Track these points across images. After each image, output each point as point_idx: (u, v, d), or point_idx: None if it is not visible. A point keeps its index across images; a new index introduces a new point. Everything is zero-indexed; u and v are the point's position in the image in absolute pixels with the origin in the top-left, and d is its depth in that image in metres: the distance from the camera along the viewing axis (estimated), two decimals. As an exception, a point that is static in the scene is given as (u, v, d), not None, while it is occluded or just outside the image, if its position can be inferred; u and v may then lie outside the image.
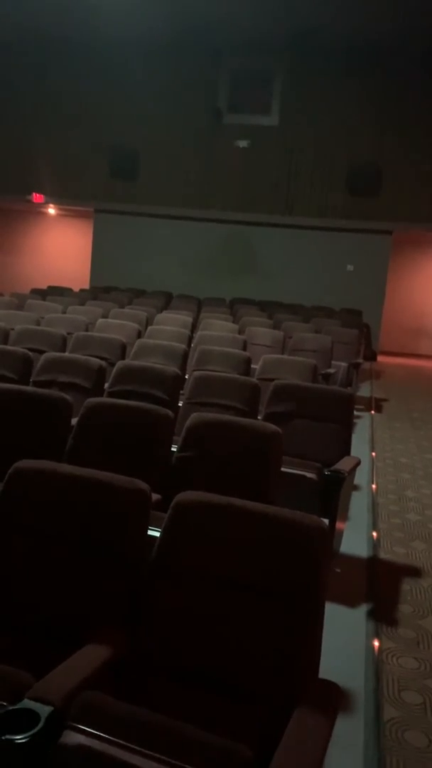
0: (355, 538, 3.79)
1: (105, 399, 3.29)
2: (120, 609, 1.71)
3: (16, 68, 12.61)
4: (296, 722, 1.38)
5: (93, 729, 1.30)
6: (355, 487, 4.56)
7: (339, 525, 3.42)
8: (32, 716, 1.28)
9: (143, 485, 1.80)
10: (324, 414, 3.70)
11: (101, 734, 1.29)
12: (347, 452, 3.61)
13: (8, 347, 4.35)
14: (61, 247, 15.06)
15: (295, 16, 9.91)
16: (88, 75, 12.44)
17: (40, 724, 1.26)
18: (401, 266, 13.07)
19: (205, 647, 1.62)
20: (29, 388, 3.20)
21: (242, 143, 11.91)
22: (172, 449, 2.93)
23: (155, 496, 2.60)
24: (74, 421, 2.99)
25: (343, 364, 7.01)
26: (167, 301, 10.26)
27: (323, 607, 1.62)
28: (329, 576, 2.06)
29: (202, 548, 1.67)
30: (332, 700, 1.47)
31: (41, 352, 4.52)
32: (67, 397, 3.01)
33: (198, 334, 6.22)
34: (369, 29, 10.18)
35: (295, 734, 1.35)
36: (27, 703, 1.32)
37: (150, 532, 1.84)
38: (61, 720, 1.31)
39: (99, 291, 10.96)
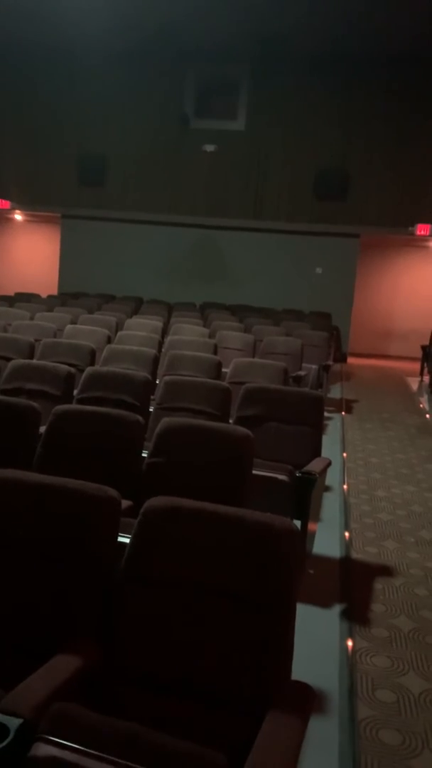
0: (327, 539, 3.82)
1: (73, 406, 3.26)
2: (91, 618, 1.69)
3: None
4: (269, 725, 1.38)
5: (65, 740, 1.28)
6: (327, 488, 4.59)
7: (311, 526, 3.44)
8: (2, 729, 1.26)
9: (113, 492, 1.79)
10: (295, 416, 3.72)
11: (74, 745, 1.27)
12: (318, 454, 3.63)
13: (-26, 355, 4.29)
14: (28, 253, 14.90)
15: (261, 22, 9.99)
16: (55, 80, 12.37)
17: (10, 737, 1.24)
18: (369, 269, 13.25)
19: (177, 654, 1.61)
20: (-4, 396, 3.15)
21: (209, 148, 11.95)
22: (143, 455, 2.92)
23: (126, 503, 2.59)
24: (43, 429, 2.96)
25: (314, 367, 7.06)
26: (137, 306, 10.22)
27: (294, 609, 1.63)
28: (302, 577, 2.07)
29: (172, 554, 1.66)
30: (305, 701, 1.48)
31: (8, 359, 4.46)
32: (35, 404, 2.98)
33: (168, 338, 6.21)
34: (334, 35, 10.31)
35: (267, 737, 1.35)
36: (-4, 716, 1.30)
37: (121, 539, 1.82)
38: (32, 732, 1.29)
39: (67, 297, 10.87)
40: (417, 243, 12.80)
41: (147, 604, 1.63)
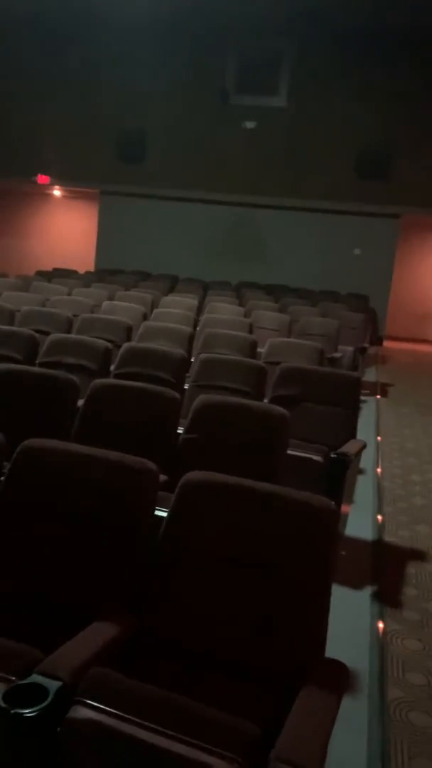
0: (360, 521, 3.80)
1: (111, 380, 3.29)
2: (127, 589, 1.71)
3: (23, 49, 12.46)
4: (303, 700, 1.39)
5: (102, 704, 1.30)
6: (361, 471, 4.56)
7: (344, 508, 3.42)
8: (41, 691, 1.29)
9: (152, 465, 1.80)
10: (330, 398, 3.68)
11: (110, 709, 1.29)
12: (353, 436, 3.60)
13: (14, 328, 4.35)
14: (66, 229, 14.98)
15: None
16: (95, 56, 12.29)
17: (49, 698, 1.27)
18: (409, 251, 12.97)
19: (212, 626, 1.63)
20: (36, 369, 3.20)
21: (249, 124, 11.78)
22: (179, 431, 2.93)
23: (161, 477, 2.61)
24: (81, 402, 2.99)
25: (350, 349, 6.98)
26: (173, 284, 10.22)
27: (330, 587, 1.63)
28: (337, 557, 2.06)
29: (210, 528, 1.67)
30: (338, 678, 1.48)
31: (47, 333, 4.51)
32: (74, 378, 3.01)
33: (204, 317, 6.20)
34: (379, 12, 10.00)
35: (301, 712, 1.35)
36: (35, 677, 1.33)
37: (157, 512, 1.84)
38: (70, 695, 1.32)
39: (104, 273, 10.92)
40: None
41: (183, 576, 1.65)
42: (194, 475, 1.74)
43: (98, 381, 3.02)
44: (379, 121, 11.33)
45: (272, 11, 10.38)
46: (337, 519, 1.63)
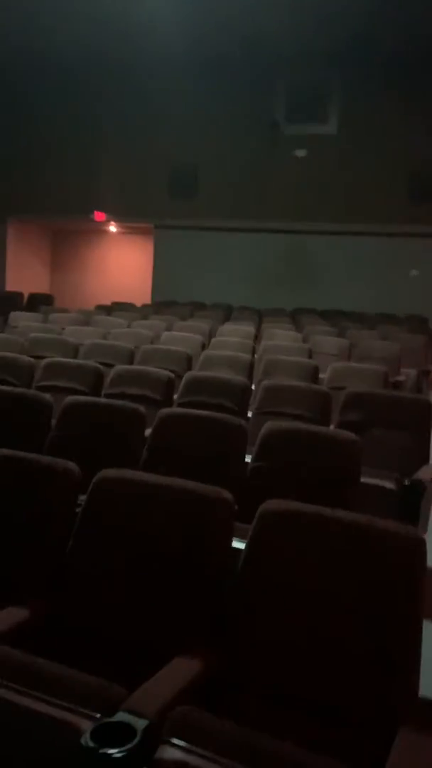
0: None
1: (177, 409, 3.29)
2: (207, 623, 1.67)
3: (74, 88, 12.97)
4: (400, 746, 1.30)
5: (189, 744, 1.26)
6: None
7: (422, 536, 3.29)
8: (128, 730, 1.25)
9: (227, 494, 1.77)
10: (400, 422, 3.58)
11: (198, 749, 1.24)
12: (426, 461, 3.48)
13: (80, 361, 4.43)
14: (122, 263, 15.35)
15: (349, 23, 9.82)
16: (145, 92, 12.68)
17: (137, 738, 1.23)
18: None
19: (297, 665, 1.56)
20: (103, 400, 3.23)
21: (300, 153, 11.86)
22: (246, 459, 2.89)
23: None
24: (147, 432, 3.00)
25: (413, 372, 6.80)
26: (228, 313, 10.27)
27: (421, 623, 1.54)
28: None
29: (290, 559, 1.62)
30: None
31: (110, 365, 4.58)
32: (141, 407, 3.03)
33: (262, 344, 6.18)
34: (427, 32, 9.98)
35: (400, 756, 1.27)
36: (122, 715, 1.30)
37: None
38: (157, 734, 1.28)
39: (161, 305, 11.09)
40: None
41: (264, 610, 1.60)
42: (272, 504, 1.69)
43: (165, 410, 3.03)
44: (430, 143, 11.22)
45: (319, 38, 10.50)
46: (425, 549, 1.55)
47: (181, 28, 9.99)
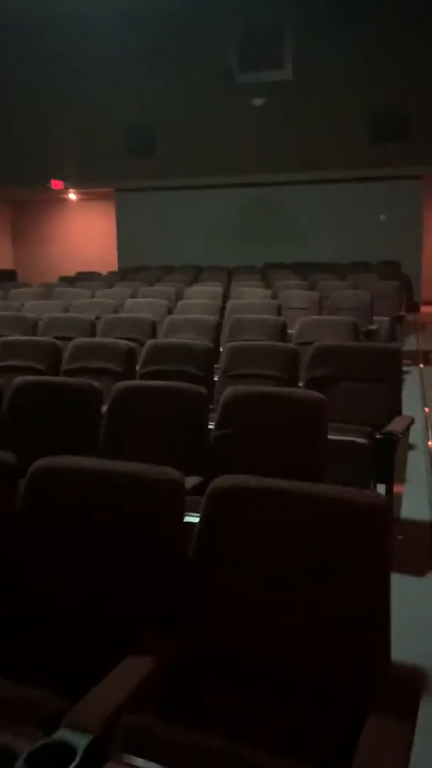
0: (415, 501, 3.57)
1: (134, 382, 3.14)
2: (163, 608, 1.55)
3: (21, 51, 12.33)
4: (371, 733, 1.20)
5: (140, 759, 1.14)
6: (411, 447, 4.30)
7: (397, 489, 3.20)
8: (67, 751, 1.13)
9: (173, 473, 1.63)
10: (370, 374, 3.45)
11: (150, 765, 1.13)
12: (399, 412, 3.37)
13: (35, 338, 4.24)
14: (86, 232, 14.94)
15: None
16: (94, 50, 12.10)
17: (77, 760, 1.11)
18: (436, 211, 12.45)
19: (260, 640, 1.45)
20: (55, 379, 3.07)
21: (258, 102, 11.46)
22: (210, 427, 2.75)
23: (194, 480, 2.44)
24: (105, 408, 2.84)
25: (386, 319, 6.68)
26: (197, 274, 10.02)
27: (389, 586, 1.43)
28: (393, 551, 1.84)
29: (246, 537, 1.49)
30: (410, 702, 1.28)
31: (70, 339, 4.38)
32: (95, 383, 2.86)
33: (229, 303, 6.00)
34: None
35: (371, 747, 1.16)
36: (62, 733, 1.17)
37: (189, 519, 1.67)
38: (103, 751, 1.16)
39: (128, 272, 10.81)
40: None
41: (223, 588, 1.48)
42: (221, 481, 1.56)
43: (120, 384, 2.87)
44: (390, 82, 10.84)
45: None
46: (389, 514, 1.42)
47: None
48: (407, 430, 3.23)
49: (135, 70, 11.93)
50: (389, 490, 3.04)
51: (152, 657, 1.42)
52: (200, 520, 1.54)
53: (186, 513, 1.66)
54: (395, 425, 3.07)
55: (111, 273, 11.09)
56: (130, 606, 1.55)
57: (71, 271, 11.71)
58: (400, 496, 3.34)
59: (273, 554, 1.47)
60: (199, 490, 2.29)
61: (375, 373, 3.44)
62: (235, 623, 1.49)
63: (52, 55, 12.32)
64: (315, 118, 11.34)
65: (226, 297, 7.12)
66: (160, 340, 4.24)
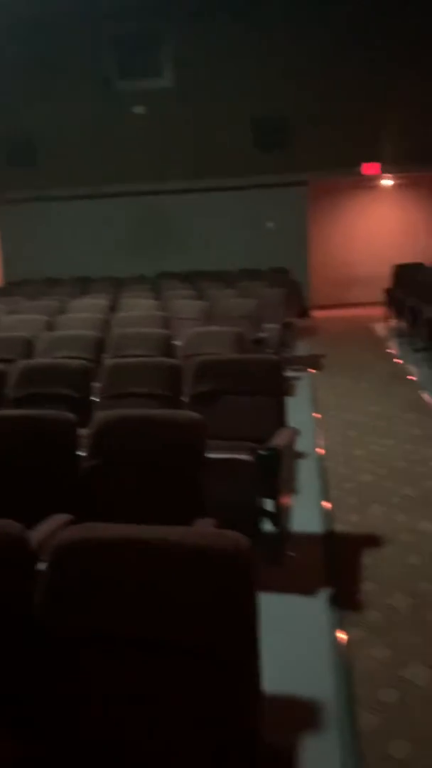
0: (306, 512, 3.50)
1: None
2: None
3: None
4: None
5: None
6: (300, 455, 4.26)
7: (285, 501, 3.11)
8: None
9: (16, 527, 1.40)
10: (252, 386, 3.35)
11: None
12: (282, 424, 3.28)
13: None
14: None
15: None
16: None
17: None
18: (322, 217, 12.77)
19: (116, 731, 1.25)
20: None
21: (138, 109, 11.30)
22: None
23: (64, 518, 2.22)
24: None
25: (275, 326, 6.68)
26: (85, 287, 9.69)
27: (258, 653, 1.28)
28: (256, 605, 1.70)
29: (93, 600, 1.29)
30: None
31: None
32: None
33: (115, 316, 5.77)
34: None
35: None
36: None
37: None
38: None
39: (12, 286, 10.29)
40: (366, 184, 12.37)
41: (64, 672, 1.27)
42: (65, 536, 1.35)
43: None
44: (273, 88, 11.00)
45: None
46: (253, 558, 1.27)
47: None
48: (291, 441, 3.15)
49: (12, 78, 11.41)
50: (276, 505, 2.95)
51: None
52: (45, 586, 1.33)
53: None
54: (279, 438, 2.98)
55: (-7, 288, 10.52)
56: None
57: None
58: (288, 510, 3.25)
59: (126, 623, 1.27)
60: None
61: (258, 385, 3.35)
62: (80, 720, 1.28)
63: None
64: (198, 125, 11.33)
65: (113, 309, 6.87)
66: (33, 360, 3.95)
